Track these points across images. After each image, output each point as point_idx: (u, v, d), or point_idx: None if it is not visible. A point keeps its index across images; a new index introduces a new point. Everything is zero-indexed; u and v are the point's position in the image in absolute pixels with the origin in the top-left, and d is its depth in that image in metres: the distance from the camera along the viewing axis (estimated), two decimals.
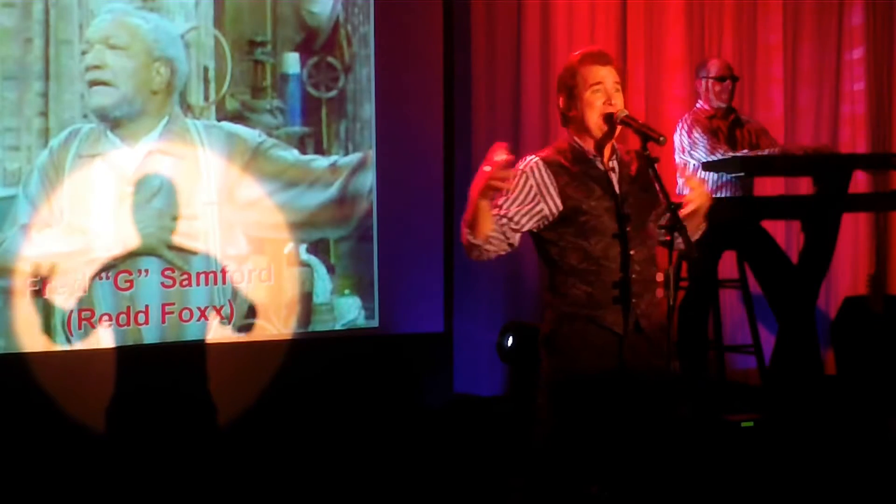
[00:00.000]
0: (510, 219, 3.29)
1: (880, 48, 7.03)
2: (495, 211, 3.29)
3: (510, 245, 3.32)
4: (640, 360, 3.32)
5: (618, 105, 3.30)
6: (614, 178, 3.35)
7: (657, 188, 3.31)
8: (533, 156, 3.37)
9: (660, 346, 3.38)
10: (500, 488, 4.21)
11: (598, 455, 3.32)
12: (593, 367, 3.28)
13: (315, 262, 5.60)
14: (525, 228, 3.32)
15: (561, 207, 3.30)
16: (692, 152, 5.61)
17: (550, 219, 3.32)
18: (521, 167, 3.34)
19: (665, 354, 3.40)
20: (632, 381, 3.31)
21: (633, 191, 3.35)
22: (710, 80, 5.73)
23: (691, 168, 5.67)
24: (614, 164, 3.37)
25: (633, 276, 3.29)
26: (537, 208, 3.30)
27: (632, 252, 3.30)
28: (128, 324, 5.18)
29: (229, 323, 5.39)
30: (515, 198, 3.30)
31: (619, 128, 3.31)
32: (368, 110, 5.70)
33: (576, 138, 3.36)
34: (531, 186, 3.30)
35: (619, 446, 3.32)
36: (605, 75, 3.32)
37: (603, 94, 3.30)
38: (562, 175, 3.30)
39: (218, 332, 5.37)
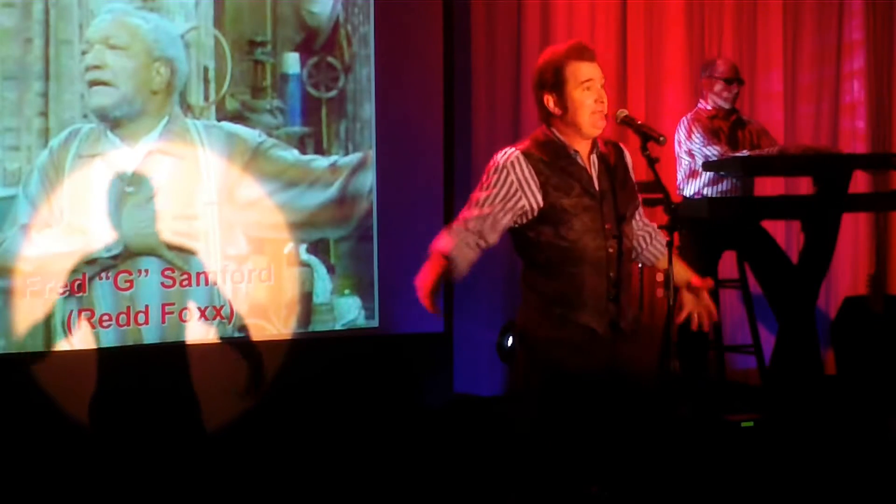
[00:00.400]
0: (494, 217, 3.27)
1: (880, 50, 7.02)
2: (475, 211, 3.28)
3: (484, 249, 3.32)
4: (618, 357, 3.31)
5: (605, 103, 3.29)
6: (594, 174, 3.33)
7: (660, 189, 3.31)
8: (512, 148, 3.33)
9: (640, 341, 3.38)
10: (501, 488, 4.20)
11: (586, 452, 3.32)
12: (571, 364, 3.27)
13: (315, 262, 5.60)
14: (504, 224, 3.30)
15: (541, 204, 3.27)
16: (690, 150, 5.61)
17: (530, 215, 3.29)
18: (501, 160, 3.31)
19: (645, 348, 3.41)
20: (611, 377, 3.30)
21: (613, 187, 3.33)
22: (717, 81, 5.72)
23: (688, 165, 5.67)
24: (594, 159, 3.35)
25: (611, 274, 3.28)
26: (519, 203, 3.27)
27: (609, 250, 3.29)
28: (128, 324, 5.18)
29: (229, 323, 5.39)
30: (496, 194, 3.27)
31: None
32: (368, 110, 5.70)
33: (557, 133, 3.32)
34: (512, 181, 3.27)
35: (605, 443, 3.32)
36: (594, 72, 3.29)
37: (594, 91, 3.28)
38: (542, 171, 3.27)
39: (218, 332, 5.37)
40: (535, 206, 3.27)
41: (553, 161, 3.28)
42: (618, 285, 3.28)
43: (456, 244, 3.27)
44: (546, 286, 3.29)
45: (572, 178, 3.28)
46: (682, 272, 3.45)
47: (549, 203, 3.26)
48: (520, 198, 3.26)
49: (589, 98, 3.27)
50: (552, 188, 3.26)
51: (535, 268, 3.32)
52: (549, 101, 3.31)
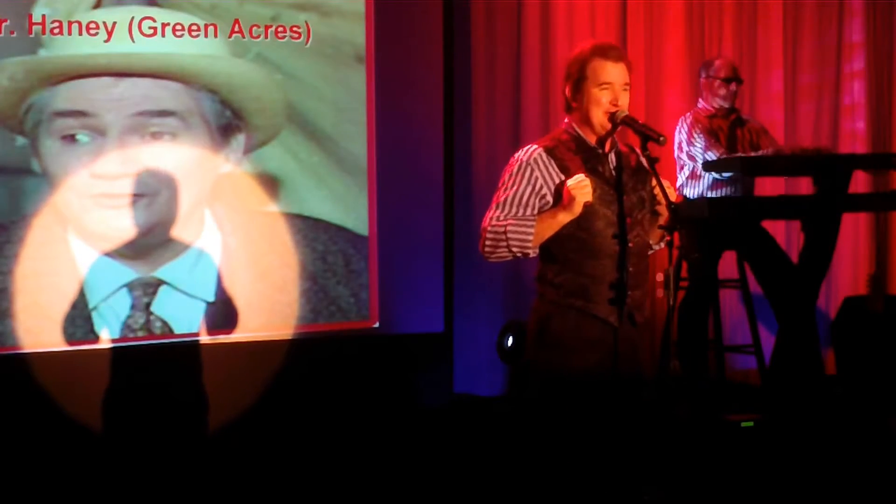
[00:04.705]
0: (526, 207, 3.28)
1: (880, 50, 7.02)
2: (507, 210, 3.29)
3: None
4: (632, 354, 3.34)
5: (623, 105, 3.31)
6: (614, 170, 3.36)
7: (656, 187, 3.32)
8: (534, 145, 3.37)
9: (645, 341, 3.41)
10: (503, 487, 4.21)
11: (593, 450, 3.33)
12: (587, 362, 3.29)
13: (315, 262, 5.59)
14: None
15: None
16: (690, 151, 5.62)
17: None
18: (522, 157, 3.33)
19: (643, 341, 3.43)
20: (623, 375, 3.32)
21: (632, 184, 3.36)
22: (716, 81, 5.72)
23: (689, 167, 5.68)
24: (612, 156, 3.38)
25: (630, 269, 3.31)
26: (545, 200, 3.31)
27: (630, 245, 3.31)
28: (129, 324, 5.18)
29: (228, 323, 5.39)
30: (523, 192, 3.30)
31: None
32: (368, 112, 5.70)
33: (576, 128, 3.36)
34: (536, 178, 3.30)
35: (612, 441, 3.33)
36: (616, 75, 3.31)
37: (611, 93, 3.30)
38: (567, 166, 3.31)
39: (217, 332, 5.36)
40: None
41: (577, 155, 3.32)
42: (636, 278, 3.31)
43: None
44: (565, 279, 3.31)
45: (595, 172, 3.31)
46: None
47: None
48: (545, 194, 3.29)
49: (605, 97, 3.30)
50: None
51: (554, 261, 3.34)
52: (569, 92, 3.35)
